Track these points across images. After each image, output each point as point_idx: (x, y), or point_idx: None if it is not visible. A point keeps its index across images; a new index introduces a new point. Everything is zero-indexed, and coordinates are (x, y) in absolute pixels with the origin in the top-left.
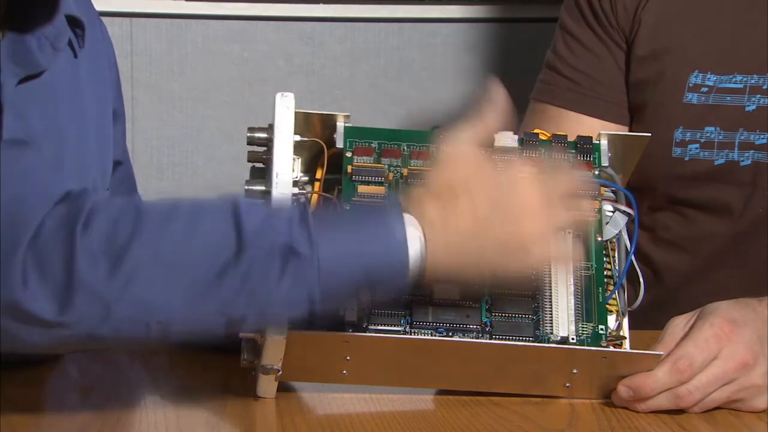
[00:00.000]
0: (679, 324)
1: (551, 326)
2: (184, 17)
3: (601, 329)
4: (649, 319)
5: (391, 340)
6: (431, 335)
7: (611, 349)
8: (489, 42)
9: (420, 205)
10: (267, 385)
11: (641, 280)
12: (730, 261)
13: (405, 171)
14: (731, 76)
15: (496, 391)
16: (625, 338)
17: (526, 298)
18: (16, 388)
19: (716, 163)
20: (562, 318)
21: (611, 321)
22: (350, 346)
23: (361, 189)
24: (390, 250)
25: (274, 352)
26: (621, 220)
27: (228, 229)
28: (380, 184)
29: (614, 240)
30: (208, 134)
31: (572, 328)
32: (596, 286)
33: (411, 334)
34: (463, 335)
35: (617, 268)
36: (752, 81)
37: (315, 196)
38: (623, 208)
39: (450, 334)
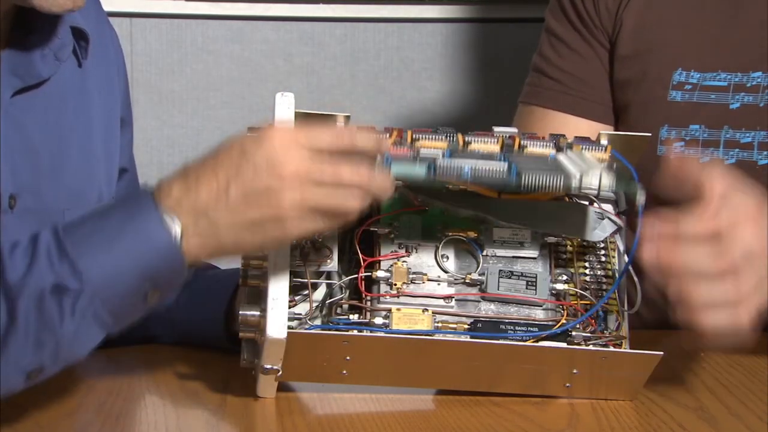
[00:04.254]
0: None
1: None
2: (184, 17)
3: (602, 329)
4: (648, 321)
5: (391, 340)
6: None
7: (611, 349)
8: (489, 42)
9: (167, 188)
10: (267, 385)
11: (637, 286)
12: None
13: None
14: (715, 74)
15: (496, 391)
16: (625, 338)
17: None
18: None
19: (701, 161)
20: None
21: (611, 321)
22: (350, 346)
23: None
24: (158, 246)
25: (274, 352)
26: (609, 228)
27: None
28: None
29: (614, 240)
30: (208, 134)
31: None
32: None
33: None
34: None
35: (617, 268)
36: (736, 79)
37: None
38: (613, 217)
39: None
